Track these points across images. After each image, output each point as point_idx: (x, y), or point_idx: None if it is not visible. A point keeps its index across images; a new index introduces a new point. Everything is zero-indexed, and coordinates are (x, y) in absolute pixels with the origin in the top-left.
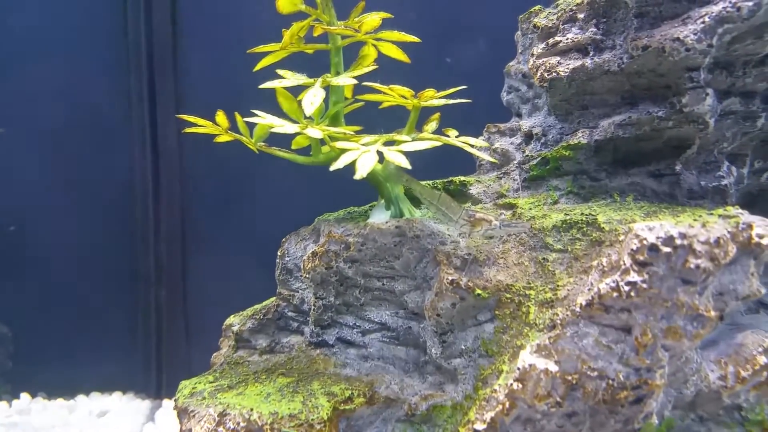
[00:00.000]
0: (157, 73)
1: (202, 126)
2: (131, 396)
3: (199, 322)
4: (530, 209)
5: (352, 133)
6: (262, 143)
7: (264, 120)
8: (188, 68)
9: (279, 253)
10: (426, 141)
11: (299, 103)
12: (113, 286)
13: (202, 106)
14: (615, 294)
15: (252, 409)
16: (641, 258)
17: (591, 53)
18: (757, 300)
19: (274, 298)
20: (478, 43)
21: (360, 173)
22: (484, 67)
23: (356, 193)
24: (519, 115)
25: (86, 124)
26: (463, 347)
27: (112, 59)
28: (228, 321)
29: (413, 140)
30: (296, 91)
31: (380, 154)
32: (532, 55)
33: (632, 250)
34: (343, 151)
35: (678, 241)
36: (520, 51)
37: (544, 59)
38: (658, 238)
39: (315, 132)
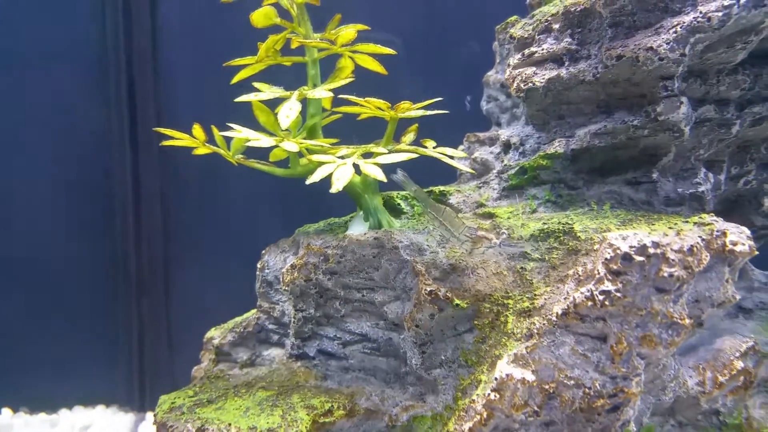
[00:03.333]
0: (138, 80)
1: (179, 139)
2: (115, 409)
3: (183, 333)
4: (509, 218)
5: (329, 145)
6: (240, 156)
7: (239, 134)
8: (169, 73)
9: (259, 266)
10: (403, 153)
11: (276, 115)
12: (95, 298)
13: (183, 113)
14: (590, 303)
15: (230, 424)
16: (615, 267)
17: (566, 63)
18: (737, 305)
19: (254, 310)
20: (459, 52)
21: (336, 187)
22: (467, 76)
23: (342, 205)
24: (498, 125)
25: (64, 132)
26: (443, 357)
27: (92, 64)
28: (209, 334)
29: (390, 152)
30: (275, 103)
31: (357, 166)
32: (509, 65)
33: (606, 259)
34: (320, 164)
35: (651, 250)
36: (498, 61)
37: (520, 69)
38: (631, 247)
39: (291, 145)
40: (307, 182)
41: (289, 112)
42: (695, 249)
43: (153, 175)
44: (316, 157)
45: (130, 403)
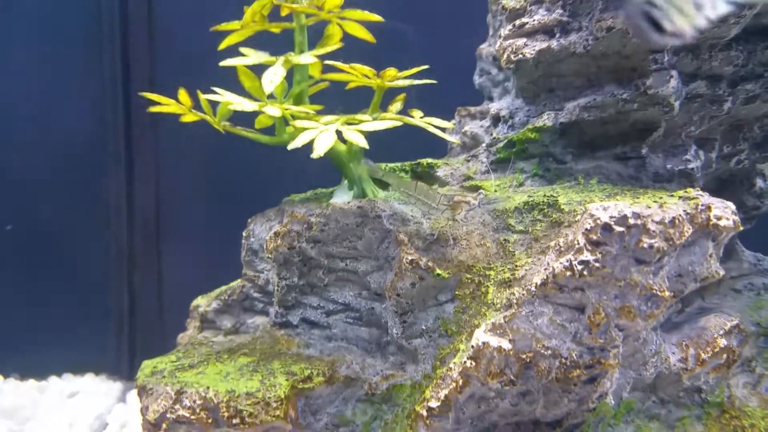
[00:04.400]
0: (132, 50)
1: (165, 105)
2: (104, 377)
3: (174, 303)
4: (495, 191)
5: (314, 112)
6: (227, 123)
7: (222, 97)
8: (164, 46)
9: (244, 234)
10: (387, 120)
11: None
12: (87, 268)
13: (177, 86)
14: (569, 273)
15: (209, 388)
16: (594, 237)
17: (557, 35)
18: (727, 284)
19: (240, 279)
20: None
21: (317, 152)
22: (460, 51)
23: (337, 178)
24: (490, 99)
25: (56, 104)
26: (424, 327)
27: (85, 38)
28: (195, 302)
29: (374, 120)
30: (263, 71)
31: (340, 133)
32: (500, 36)
33: (586, 229)
34: (304, 130)
35: (631, 221)
36: (491, 33)
37: (511, 41)
38: (611, 217)
39: (273, 110)
40: (289, 147)
41: (273, 77)
42: (677, 221)
43: (147, 146)
44: (299, 123)
45: (120, 372)
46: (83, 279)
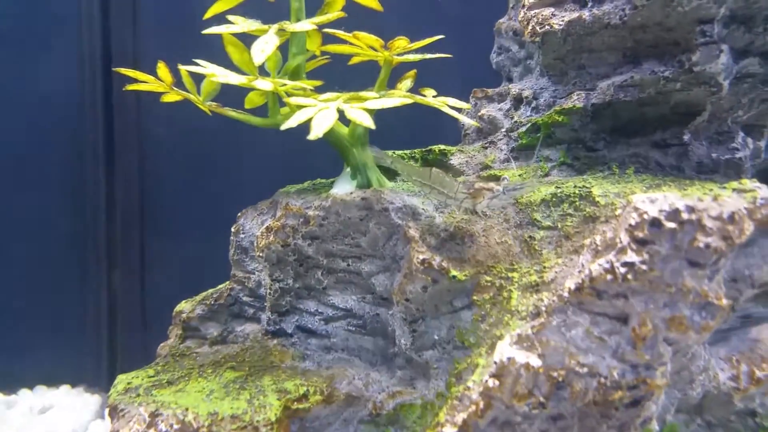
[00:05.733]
0: (114, 30)
1: (143, 82)
2: (81, 390)
3: (159, 308)
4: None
5: (311, 88)
6: (213, 103)
7: (206, 69)
8: (149, 25)
9: (233, 230)
10: (395, 98)
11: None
12: (61, 269)
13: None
14: (609, 277)
15: (188, 409)
16: (641, 235)
17: (589, 4)
18: None
19: (228, 281)
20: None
21: (315, 133)
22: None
23: (339, 168)
24: (510, 80)
25: (33, 94)
26: (437, 337)
27: (63, 14)
28: (179, 307)
29: (381, 97)
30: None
31: (342, 113)
32: (523, 5)
33: (630, 225)
34: (300, 107)
35: (685, 216)
36: (511, 5)
37: (537, 10)
38: (661, 211)
39: (264, 84)
40: (283, 127)
41: (264, 47)
42: (737, 217)
43: (129, 134)
44: (294, 100)
45: (99, 383)
46: (58, 280)
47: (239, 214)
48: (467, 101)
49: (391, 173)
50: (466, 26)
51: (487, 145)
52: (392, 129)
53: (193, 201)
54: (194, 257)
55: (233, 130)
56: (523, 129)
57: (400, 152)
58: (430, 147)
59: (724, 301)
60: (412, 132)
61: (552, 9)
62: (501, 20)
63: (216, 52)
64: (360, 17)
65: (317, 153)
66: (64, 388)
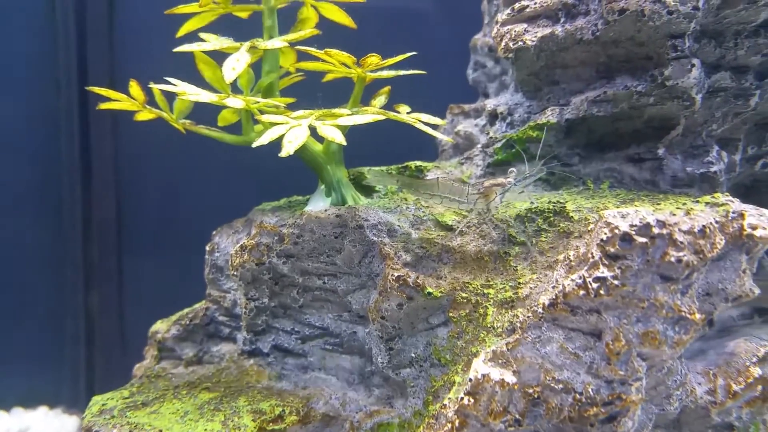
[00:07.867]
0: (90, 45)
1: (117, 101)
2: (59, 411)
3: (137, 328)
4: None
5: (284, 105)
6: (187, 121)
7: (177, 88)
8: (124, 41)
9: (208, 248)
10: (369, 115)
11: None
12: (38, 289)
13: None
14: (582, 292)
15: (161, 431)
16: (612, 250)
17: (562, 20)
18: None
19: (204, 300)
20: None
21: (286, 150)
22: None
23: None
24: (486, 95)
25: (9, 107)
26: (413, 355)
27: (39, 29)
28: (154, 327)
29: (354, 114)
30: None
31: (314, 129)
32: (497, 22)
33: (602, 240)
34: (272, 125)
35: (656, 230)
36: (486, 22)
37: (510, 26)
38: (632, 226)
39: (236, 102)
40: (254, 145)
41: (236, 64)
42: (708, 230)
43: (106, 150)
44: (266, 118)
45: (77, 405)
46: (34, 299)
47: (214, 232)
48: (445, 117)
49: (366, 190)
50: (443, 43)
51: (463, 161)
52: (369, 145)
53: (170, 220)
54: (172, 276)
55: (209, 148)
56: (499, 145)
57: (375, 168)
58: (406, 163)
59: (698, 316)
60: (389, 148)
61: (525, 25)
62: (476, 36)
63: (192, 70)
64: (346, 36)
65: (294, 169)
66: (42, 410)
